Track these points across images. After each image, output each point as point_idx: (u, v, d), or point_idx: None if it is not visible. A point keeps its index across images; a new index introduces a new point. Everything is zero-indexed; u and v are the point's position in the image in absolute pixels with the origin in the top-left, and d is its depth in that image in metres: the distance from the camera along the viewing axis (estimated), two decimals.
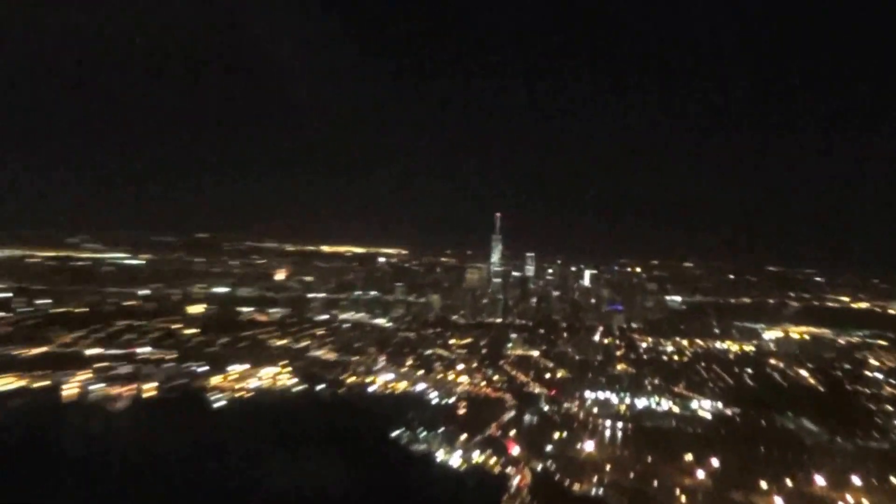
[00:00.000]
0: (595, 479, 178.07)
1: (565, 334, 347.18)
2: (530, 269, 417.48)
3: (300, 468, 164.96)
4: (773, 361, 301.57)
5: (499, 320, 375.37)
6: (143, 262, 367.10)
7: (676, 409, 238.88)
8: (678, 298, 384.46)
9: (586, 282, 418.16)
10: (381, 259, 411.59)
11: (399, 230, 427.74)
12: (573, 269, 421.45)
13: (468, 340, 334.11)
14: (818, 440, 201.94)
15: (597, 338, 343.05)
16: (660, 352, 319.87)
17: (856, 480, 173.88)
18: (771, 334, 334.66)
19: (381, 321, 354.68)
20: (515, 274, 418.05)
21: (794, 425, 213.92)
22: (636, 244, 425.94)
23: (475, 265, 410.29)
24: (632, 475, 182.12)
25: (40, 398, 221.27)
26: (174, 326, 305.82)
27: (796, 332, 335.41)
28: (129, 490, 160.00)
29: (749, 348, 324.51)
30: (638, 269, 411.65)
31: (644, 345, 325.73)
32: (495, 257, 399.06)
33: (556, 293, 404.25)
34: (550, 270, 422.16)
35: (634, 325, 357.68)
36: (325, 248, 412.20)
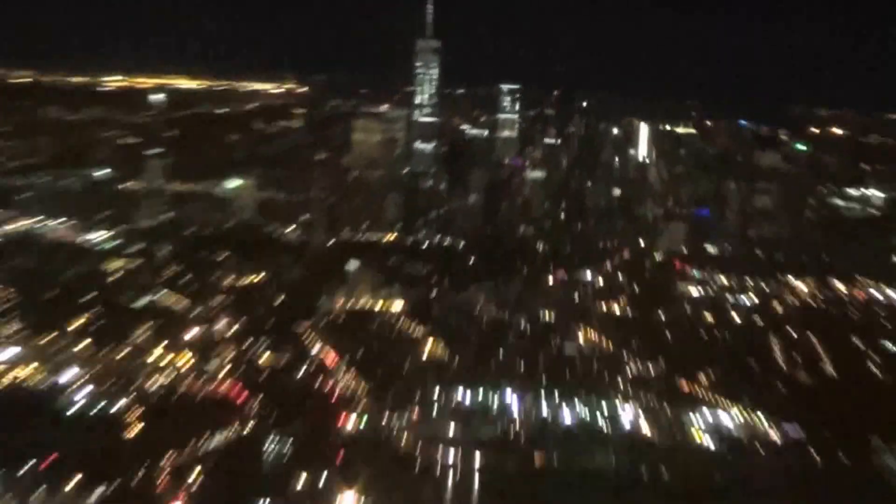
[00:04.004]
0: None
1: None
2: (507, 124, 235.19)
3: None
4: None
5: (388, 237, 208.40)
6: None
7: None
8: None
9: (643, 152, 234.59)
10: (157, 97, 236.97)
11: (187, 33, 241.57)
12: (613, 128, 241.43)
13: (254, 279, 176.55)
14: None
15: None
16: None
17: None
18: None
19: (92, 236, 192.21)
20: (473, 132, 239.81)
21: None
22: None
23: (375, 110, 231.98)
24: None
25: None
26: None
27: None
28: None
29: None
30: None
31: None
32: (424, 94, 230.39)
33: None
34: (554, 129, 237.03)
35: None
36: (115, 81, 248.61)
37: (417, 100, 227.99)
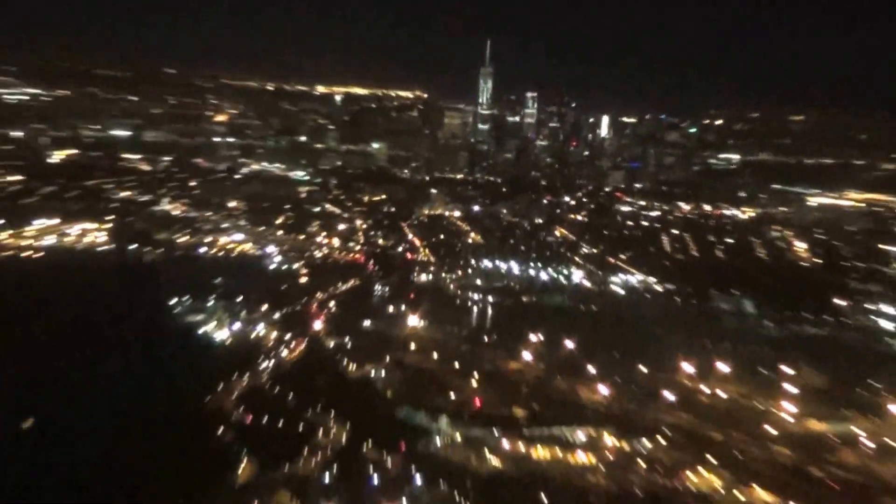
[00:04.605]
0: None
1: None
2: (530, 115, 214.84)
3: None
4: None
5: (458, 176, 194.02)
6: (49, 97, 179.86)
7: None
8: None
9: (604, 132, 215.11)
10: (339, 97, 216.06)
11: (360, 62, 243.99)
12: (589, 118, 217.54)
13: (379, 197, 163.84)
14: None
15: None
16: None
17: None
18: None
19: (295, 173, 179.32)
20: (511, 119, 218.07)
21: None
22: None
23: (457, 106, 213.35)
24: None
25: None
26: None
27: None
28: None
29: None
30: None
31: None
32: (483, 97, 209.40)
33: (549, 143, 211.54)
34: (556, 118, 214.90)
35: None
36: (320, 88, 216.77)
37: (480, 100, 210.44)
